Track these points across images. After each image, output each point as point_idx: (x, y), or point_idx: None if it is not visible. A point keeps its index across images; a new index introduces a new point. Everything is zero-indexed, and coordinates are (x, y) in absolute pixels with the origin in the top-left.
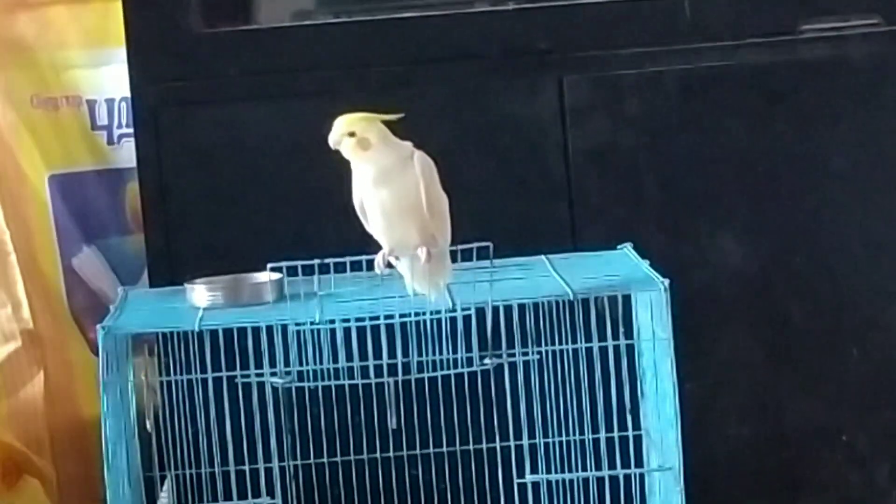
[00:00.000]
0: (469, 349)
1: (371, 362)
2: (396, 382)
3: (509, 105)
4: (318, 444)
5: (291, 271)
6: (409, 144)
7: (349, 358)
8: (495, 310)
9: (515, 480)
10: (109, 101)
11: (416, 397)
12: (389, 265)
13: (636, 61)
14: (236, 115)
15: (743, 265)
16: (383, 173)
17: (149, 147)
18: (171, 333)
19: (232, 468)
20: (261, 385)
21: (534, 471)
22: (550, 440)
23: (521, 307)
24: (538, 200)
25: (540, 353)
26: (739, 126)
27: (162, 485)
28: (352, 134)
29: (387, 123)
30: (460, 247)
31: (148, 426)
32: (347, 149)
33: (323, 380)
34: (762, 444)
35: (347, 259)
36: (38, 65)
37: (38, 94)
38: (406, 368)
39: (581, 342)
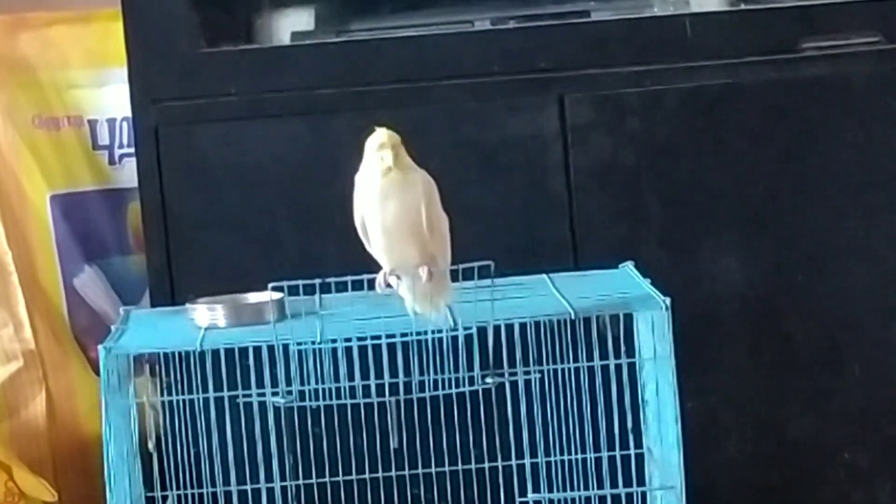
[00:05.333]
0: (470, 368)
1: (372, 382)
2: (398, 402)
3: (510, 123)
4: (319, 463)
5: (293, 291)
6: (414, 166)
7: (350, 377)
8: (497, 329)
9: (517, 499)
10: (111, 121)
11: (418, 416)
12: (390, 285)
13: (637, 79)
14: (237, 135)
15: (744, 283)
16: (386, 193)
17: (150, 166)
18: (173, 353)
19: (234, 488)
20: (262, 405)
21: (536, 490)
22: (552, 459)
23: (523, 326)
24: (539, 219)
25: (541, 371)
26: (740, 144)
27: None
28: (393, 147)
29: None
30: (461, 266)
31: (150, 446)
32: (388, 159)
33: (324, 399)
34: (764, 462)
35: (348, 278)
36: (40, 85)
37: (40, 113)
38: (407, 388)
39: (582, 361)
